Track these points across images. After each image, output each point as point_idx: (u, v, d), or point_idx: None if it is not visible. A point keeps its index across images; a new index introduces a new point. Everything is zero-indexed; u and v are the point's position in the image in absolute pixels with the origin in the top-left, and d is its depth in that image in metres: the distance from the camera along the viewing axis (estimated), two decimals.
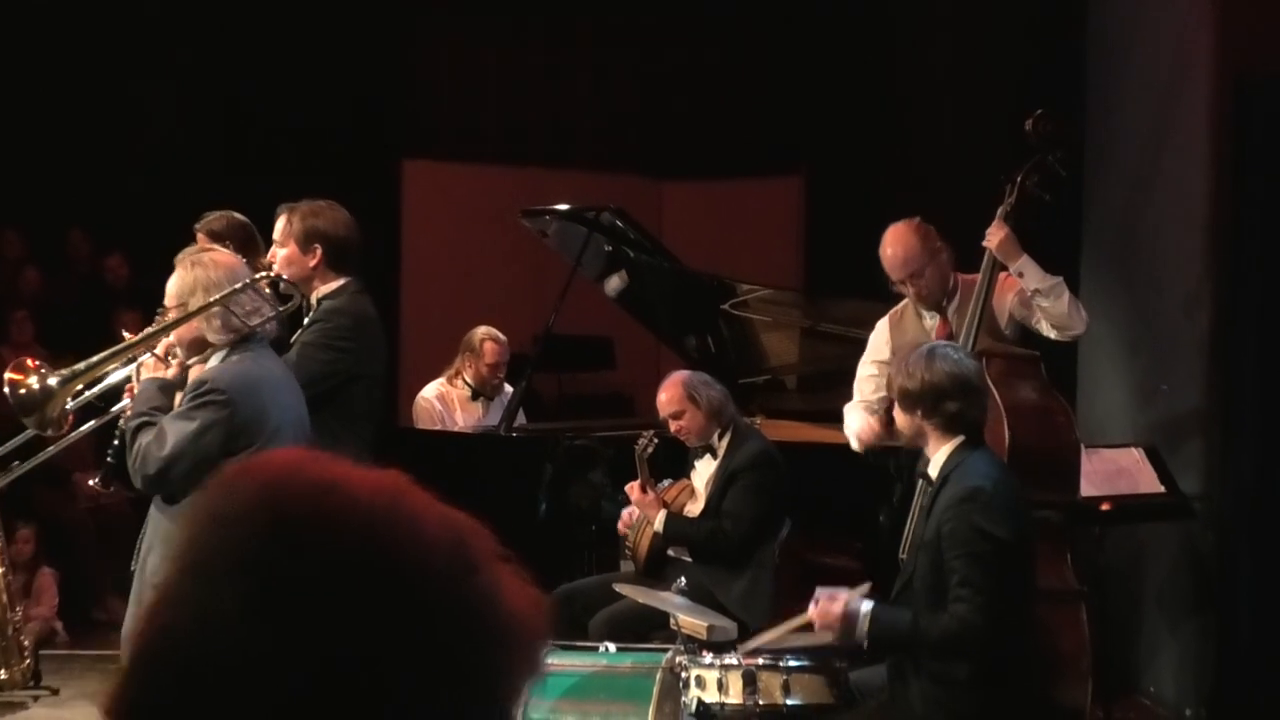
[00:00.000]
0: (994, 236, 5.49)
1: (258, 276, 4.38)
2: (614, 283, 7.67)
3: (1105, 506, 6.15)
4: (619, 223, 7.48)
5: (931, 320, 5.69)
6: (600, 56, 11.69)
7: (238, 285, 4.26)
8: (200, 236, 5.93)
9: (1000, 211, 5.58)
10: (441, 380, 7.70)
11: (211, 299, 4.22)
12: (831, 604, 4.36)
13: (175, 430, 4.10)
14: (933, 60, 9.39)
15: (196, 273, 4.27)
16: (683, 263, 7.91)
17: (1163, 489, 6.28)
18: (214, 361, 4.29)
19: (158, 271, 5.55)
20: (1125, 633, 6.96)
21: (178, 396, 4.30)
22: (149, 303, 5.82)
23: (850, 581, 4.58)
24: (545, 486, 6.82)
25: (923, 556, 4.40)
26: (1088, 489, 5.89)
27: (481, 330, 7.64)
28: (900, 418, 4.53)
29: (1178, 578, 6.85)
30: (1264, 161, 6.30)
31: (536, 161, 11.26)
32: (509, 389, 7.62)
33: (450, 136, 11.42)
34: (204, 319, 4.23)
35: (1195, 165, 6.64)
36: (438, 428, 7.47)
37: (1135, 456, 6.35)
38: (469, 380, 7.61)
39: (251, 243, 5.72)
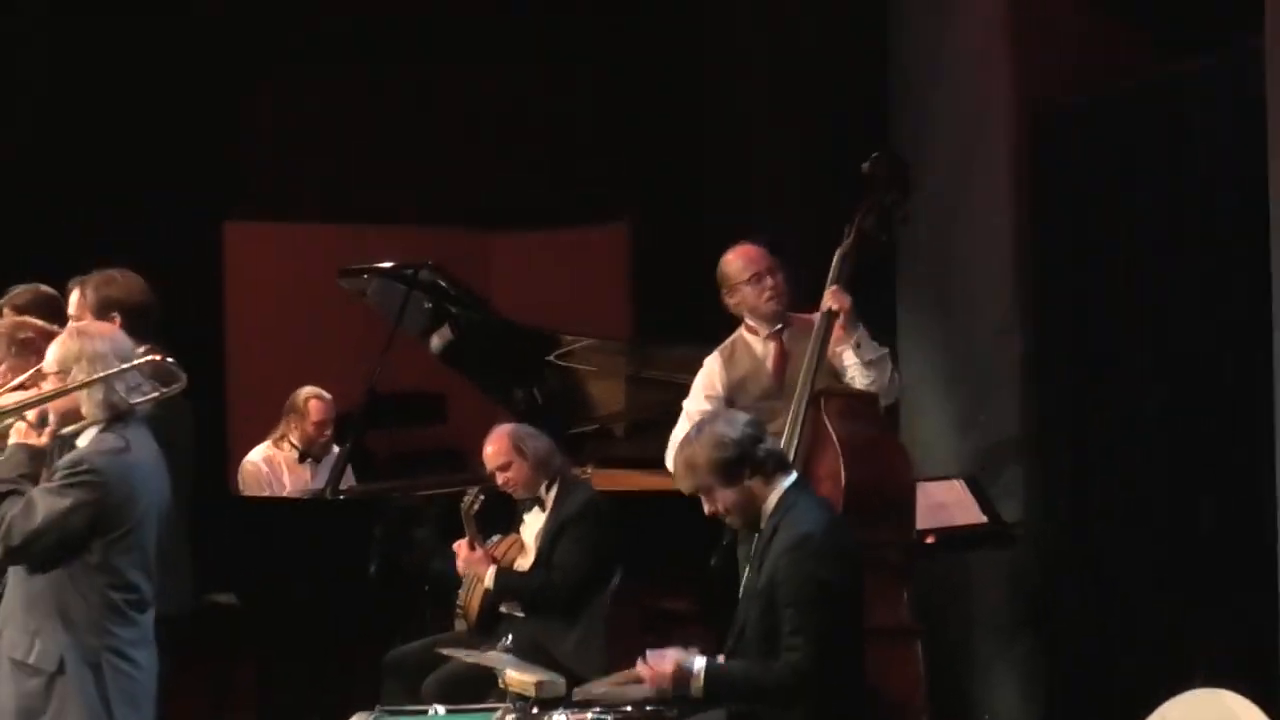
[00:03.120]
0: (838, 301, 5.51)
1: (143, 360, 4.28)
2: (436, 341, 7.62)
3: (929, 539, 6.22)
4: (437, 279, 7.43)
5: (765, 347, 5.70)
6: (423, 110, 11.62)
7: (125, 365, 4.20)
8: (5, 311, 5.80)
9: (837, 261, 5.59)
10: (268, 443, 7.60)
11: (96, 374, 4.15)
12: (662, 662, 4.37)
13: (45, 505, 4.05)
14: (743, 102, 9.49)
15: (83, 343, 4.21)
16: (505, 316, 7.88)
17: (984, 518, 6.38)
18: (89, 435, 4.21)
19: None
20: (959, 661, 7.03)
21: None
22: None
23: (687, 625, 4.61)
24: (374, 548, 6.74)
25: (754, 605, 4.41)
26: None
27: (305, 390, 7.57)
28: (726, 497, 4.44)
29: (1006, 605, 6.94)
30: (1063, 189, 6.46)
31: (362, 219, 11.14)
32: (337, 449, 7.53)
33: (271, 197, 11.25)
34: (83, 391, 4.16)
35: (999, 196, 6.78)
36: (266, 493, 7.36)
37: (956, 487, 6.45)
38: (295, 442, 7.53)
39: (58, 316, 5.59)
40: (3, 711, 4.09)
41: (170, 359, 4.41)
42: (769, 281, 5.63)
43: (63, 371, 4.19)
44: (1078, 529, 6.43)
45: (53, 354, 4.24)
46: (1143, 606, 6.02)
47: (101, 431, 4.19)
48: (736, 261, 5.66)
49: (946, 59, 7.16)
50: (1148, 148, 5.95)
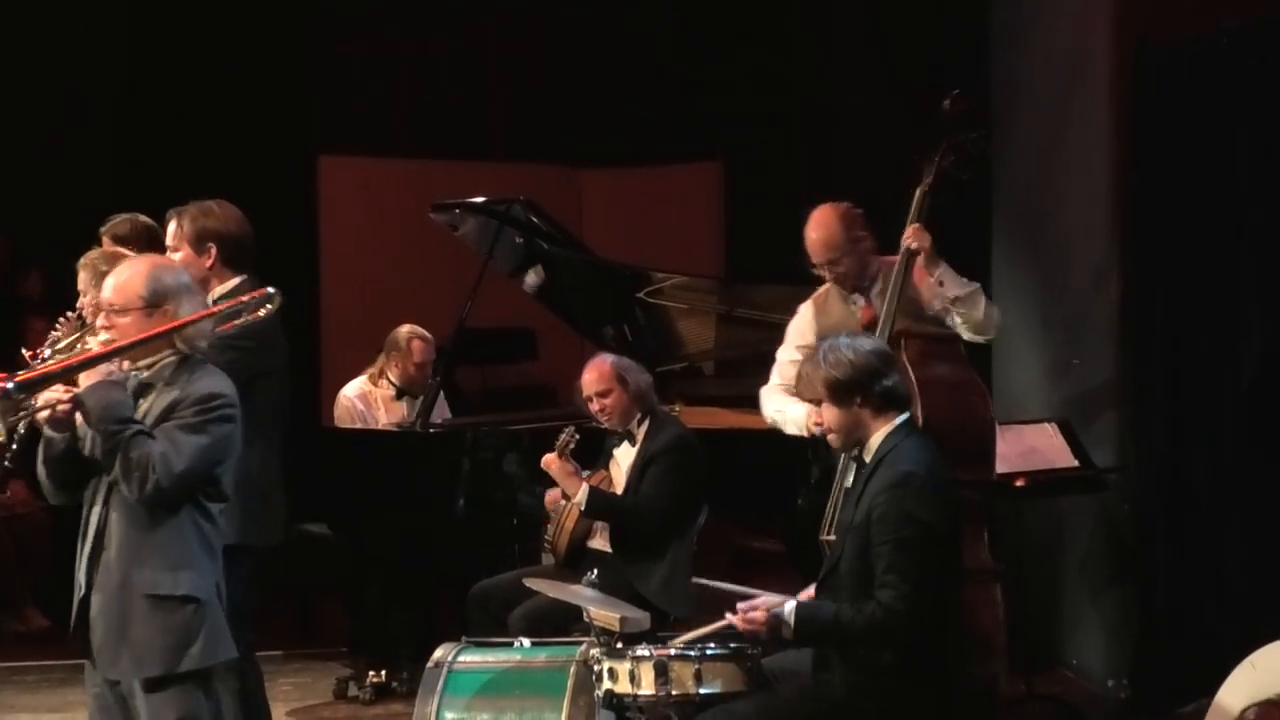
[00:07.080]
0: (919, 240, 5.48)
1: (263, 297, 4.38)
2: (531, 279, 7.64)
3: (1020, 483, 6.19)
4: (530, 215, 7.45)
5: (856, 304, 5.69)
6: (513, 46, 11.64)
7: (236, 301, 4.35)
8: (105, 240, 5.86)
9: (917, 200, 5.55)
10: (363, 379, 7.60)
11: (198, 309, 4.17)
12: (754, 612, 4.38)
13: (190, 444, 4.03)
14: (840, 41, 9.42)
15: (169, 278, 4.19)
16: (596, 253, 7.89)
17: (1076, 463, 6.33)
18: (165, 369, 4.17)
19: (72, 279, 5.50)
20: (1047, 606, 7.00)
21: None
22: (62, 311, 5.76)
23: (772, 565, 4.60)
24: (462, 481, 6.79)
25: (851, 540, 4.39)
26: (1002, 466, 5.91)
27: (406, 329, 7.53)
28: (834, 414, 4.44)
29: (1096, 550, 6.90)
30: (1164, 131, 6.34)
31: (455, 154, 11.19)
32: None
33: (365, 131, 11.33)
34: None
35: (1098, 138, 6.68)
36: (358, 427, 7.41)
37: (1048, 431, 6.40)
38: (394, 380, 7.50)
39: (156, 246, 5.64)
40: (144, 652, 4.05)
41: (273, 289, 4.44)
42: (832, 272, 5.63)
43: (151, 307, 4.12)
44: (1170, 475, 6.35)
45: (138, 287, 4.15)
46: (1233, 554, 5.95)
47: (185, 364, 4.16)
48: (809, 244, 5.64)
49: None
50: (1253, 88, 5.82)
